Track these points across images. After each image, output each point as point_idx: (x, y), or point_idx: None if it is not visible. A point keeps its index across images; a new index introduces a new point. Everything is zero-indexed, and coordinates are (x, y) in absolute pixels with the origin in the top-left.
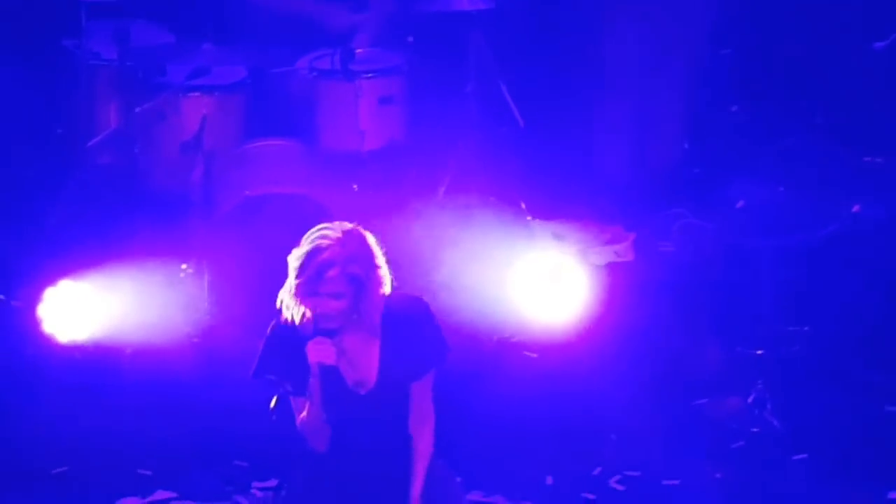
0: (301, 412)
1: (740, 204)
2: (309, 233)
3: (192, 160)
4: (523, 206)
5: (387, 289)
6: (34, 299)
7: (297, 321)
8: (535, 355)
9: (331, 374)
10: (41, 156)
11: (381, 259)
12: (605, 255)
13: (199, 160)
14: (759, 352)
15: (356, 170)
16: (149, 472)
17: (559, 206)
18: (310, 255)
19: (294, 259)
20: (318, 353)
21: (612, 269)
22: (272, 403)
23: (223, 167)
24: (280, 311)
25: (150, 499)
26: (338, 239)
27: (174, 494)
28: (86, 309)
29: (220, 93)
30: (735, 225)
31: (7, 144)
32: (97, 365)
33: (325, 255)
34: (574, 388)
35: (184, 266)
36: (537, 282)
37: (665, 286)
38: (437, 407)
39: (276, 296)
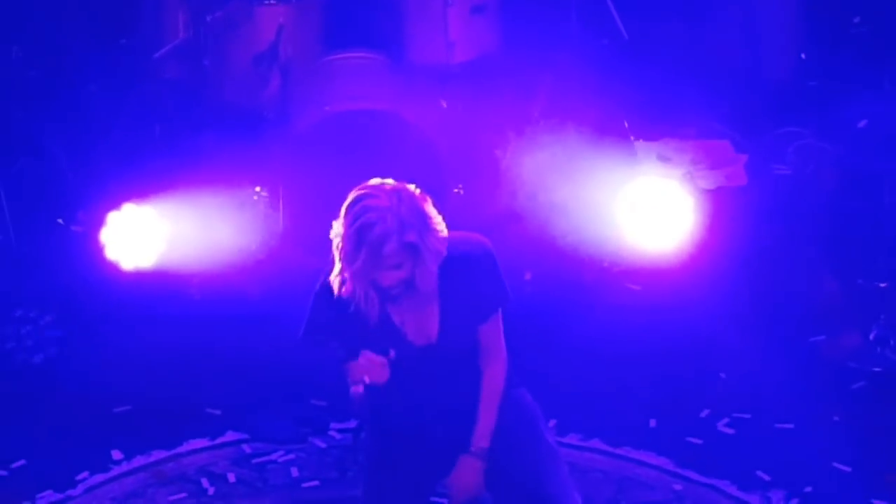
0: (353, 381)
1: (863, 123)
2: (349, 205)
3: (266, 74)
4: (626, 125)
5: (443, 245)
6: (96, 224)
7: (354, 299)
8: (637, 287)
9: (391, 332)
10: (103, 69)
11: (433, 214)
12: (713, 178)
13: (274, 74)
14: (883, 285)
15: (445, 84)
16: (218, 412)
17: (664, 125)
18: (361, 234)
19: (342, 240)
20: (366, 370)
21: (721, 193)
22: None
23: (301, 81)
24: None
25: (219, 440)
26: (386, 208)
27: (245, 436)
28: (151, 235)
29: (298, 0)
30: (857, 146)
31: (65, 56)
32: (163, 295)
33: (378, 230)
34: (679, 323)
35: (257, 189)
36: (640, 207)
37: (779, 213)
38: (525, 342)
39: None
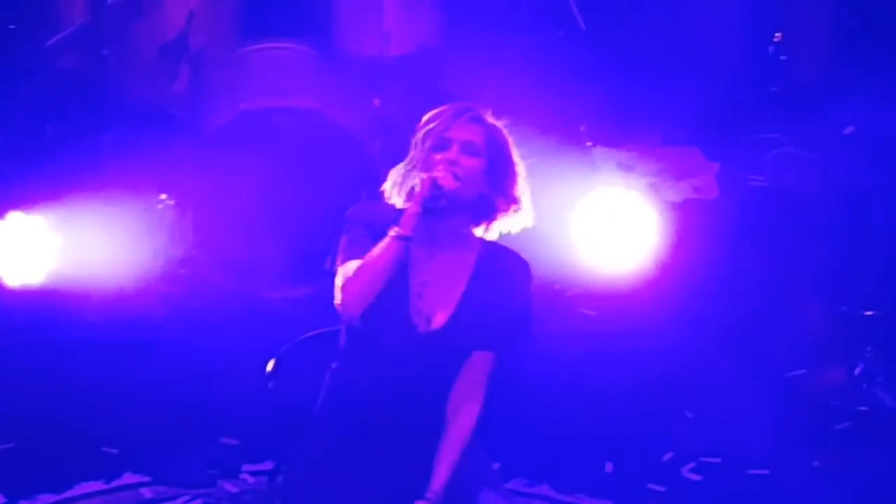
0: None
1: (850, 129)
2: None
3: (175, 66)
4: (583, 129)
5: (519, 218)
6: None
7: (401, 199)
8: (593, 313)
9: (397, 294)
10: None
11: (518, 161)
12: (681, 190)
13: (184, 66)
14: (869, 312)
15: (378, 80)
16: (115, 451)
17: (626, 129)
18: (445, 106)
19: (424, 121)
20: (434, 173)
21: (689, 207)
22: (269, 366)
23: (214, 75)
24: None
25: (115, 483)
26: (481, 112)
27: (146, 479)
28: (40, 247)
29: None
30: (843, 155)
31: None
32: (54, 316)
33: (466, 104)
34: (640, 354)
35: (163, 196)
36: (598, 223)
37: (755, 230)
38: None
39: (275, 237)
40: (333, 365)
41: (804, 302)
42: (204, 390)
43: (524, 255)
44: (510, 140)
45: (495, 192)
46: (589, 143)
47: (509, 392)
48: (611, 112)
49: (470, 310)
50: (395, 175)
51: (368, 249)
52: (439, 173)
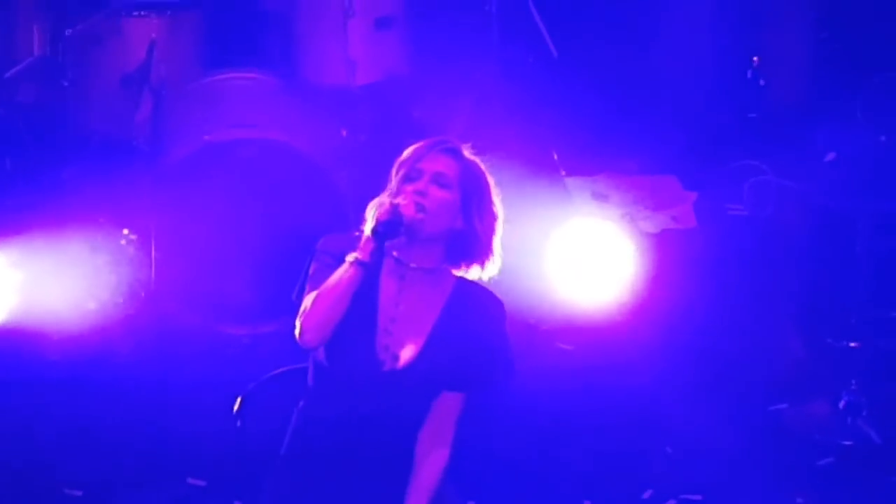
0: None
1: (830, 156)
2: None
3: (136, 97)
4: (555, 157)
5: (493, 225)
6: None
7: (375, 223)
8: (570, 347)
9: (363, 329)
10: None
11: (495, 200)
12: (658, 220)
13: (145, 97)
14: (853, 344)
15: (345, 110)
16: (78, 493)
17: (600, 157)
18: (422, 142)
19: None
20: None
21: (666, 237)
22: (236, 405)
23: (176, 106)
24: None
25: None
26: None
27: None
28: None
29: (173, 11)
30: (824, 183)
31: None
32: (13, 354)
33: (442, 137)
34: (618, 388)
35: (125, 231)
36: (573, 254)
37: (734, 260)
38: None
39: (241, 270)
40: (301, 403)
41: (786, 334)
42: (170, 429)
43: (499, 289)
44: (489, 178)
45: (469, 228)
46: (563, 172)
47: (484, 428)
48: (584, 140)
49: (438, 348)
50: (370, 207)
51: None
52: (402, 201)
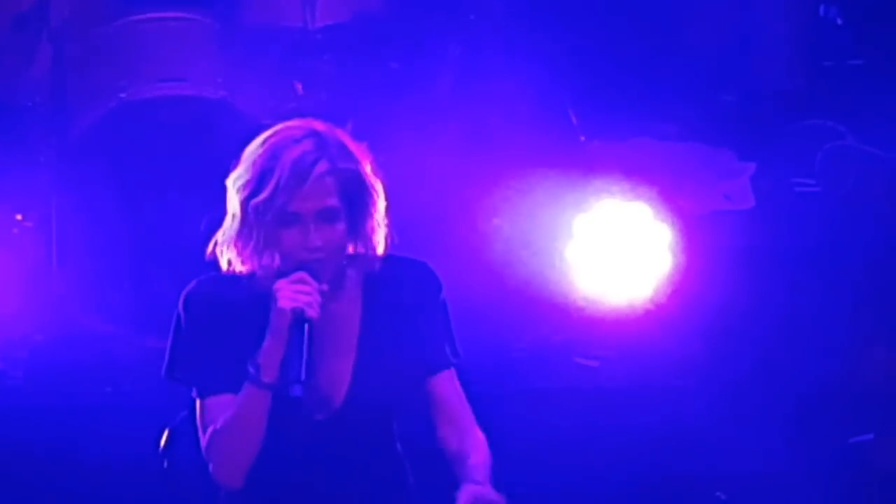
0: (223, 414)
1: None
2: (261, 136)
3: (32, 44)
4: (574, 120)
5: (382, 238)
6: None
7: (246, 268)
8: (595, 362)
9: (283, 386)
10: None
11: (375, 181)
12: (705, 199)
13: (43, 44)
14: None
15: (301, 59)
16: None
17: (631, 119)
18: (278, 149)
19: (247, 169)
20: (296, 296)
21: (716, 220)
22: (163, 441)
23: (84, 56)
24: (210, 268)
25: None
26: (315, 129)
27: None
28: None
29: None
30: None
31: None
32: None
33: (305, 144)
34: (657, 413)
35: (18, 217)
36: (598, 246)
37: (803, 249)
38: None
39: (165, 269)
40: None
41: (869, 343)
42: (80, 469)
43: (505, 289)
44: (366, 164)
45: (361, 242)
46: (583, 138)
47: (498, 458)
48: (610, 96)
49: (372, 364)
50: (228, 239)
51: (226, 356)
52: (299, 304)
